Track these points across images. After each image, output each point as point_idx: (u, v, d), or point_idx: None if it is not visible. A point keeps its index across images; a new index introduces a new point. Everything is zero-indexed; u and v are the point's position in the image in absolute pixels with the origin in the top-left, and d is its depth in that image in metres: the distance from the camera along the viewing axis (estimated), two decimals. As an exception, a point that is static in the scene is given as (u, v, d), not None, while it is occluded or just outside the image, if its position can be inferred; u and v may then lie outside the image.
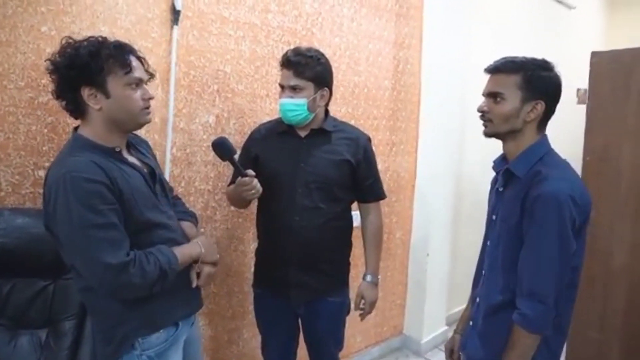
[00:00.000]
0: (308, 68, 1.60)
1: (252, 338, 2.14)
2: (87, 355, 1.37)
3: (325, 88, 1.68)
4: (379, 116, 2.57)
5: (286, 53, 1.62)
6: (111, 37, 1.26)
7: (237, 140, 1.97)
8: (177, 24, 1.73)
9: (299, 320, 1.81)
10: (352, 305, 1.83)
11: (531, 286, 1.19)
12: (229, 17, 1.89)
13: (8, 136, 1.45)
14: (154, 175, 1.34)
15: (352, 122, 2.36)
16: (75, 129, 1.26)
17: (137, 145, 1.39)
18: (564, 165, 1.27)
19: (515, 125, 1.27)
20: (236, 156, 1.55)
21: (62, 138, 1.54)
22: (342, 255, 1.81)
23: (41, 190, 1.47)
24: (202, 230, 1.91)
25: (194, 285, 1.36)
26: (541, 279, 1.18)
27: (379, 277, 1.85)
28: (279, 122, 1.74)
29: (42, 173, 1.50)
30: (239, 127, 1.99)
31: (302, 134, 1.71)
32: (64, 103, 1.22)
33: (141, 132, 1.68)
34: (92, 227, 1.12)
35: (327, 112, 1.77)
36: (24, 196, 1.49)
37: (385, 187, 2.58)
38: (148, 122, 1.30)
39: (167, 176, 1.76)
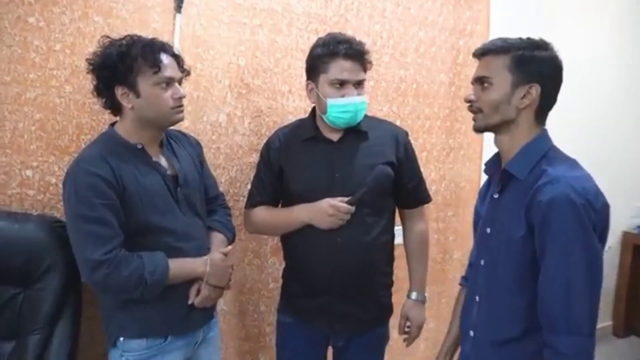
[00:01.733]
0: (368, 59, 1.42)
1: (269, 364, 1.91)
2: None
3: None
4: (433, 116, 2.20)
5: (340, 41, 1.38)
6: (146, 35, 1.27)
7: (253, 142, 1.77)
8: (179, 12, 1.57)
9: (330, 354, 1.56)
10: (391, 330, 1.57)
11: (565, 319, 1.00)
12: (244, 4, 1.69)
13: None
14: (178, 179, 1.31)
15: (398, 123, 2.04)
16: (112, 124, 1.31)
17: (183, 146, 1.39)
18: (573, 162, 1.09)
19: (507, 113, 1.09)
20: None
21: (51, 136, 1.44)
22: (388, 276, 1.55)
23: (28, 192, 1.41)
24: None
25: (190, 302, 1.27)
26: (575, 307, 0.99)
27: (427, 295, 1.56)
28: (300, 126, 1.51)
29: (29, 173, 1.42)
30: (255, 127, 1.77)
31: (334, 137, 1.45)
32: (102, 101, 1.27)
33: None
34: (81, 219, 1.15)
35: None
36: (10, 197, 1.41)
37: (439, 199, 2.26)
38: (179, 120, 1.30)
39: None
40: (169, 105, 1.23)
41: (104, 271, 1.13)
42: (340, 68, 1.36)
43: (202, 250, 1.32)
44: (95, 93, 1.26)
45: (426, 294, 1.57)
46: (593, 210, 0.99)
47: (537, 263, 1.04)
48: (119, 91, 1.22)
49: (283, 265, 1.60)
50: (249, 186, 1.75)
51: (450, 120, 2.25)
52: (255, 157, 1.76)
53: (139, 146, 1.26)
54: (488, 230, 1.16)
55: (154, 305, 1.22)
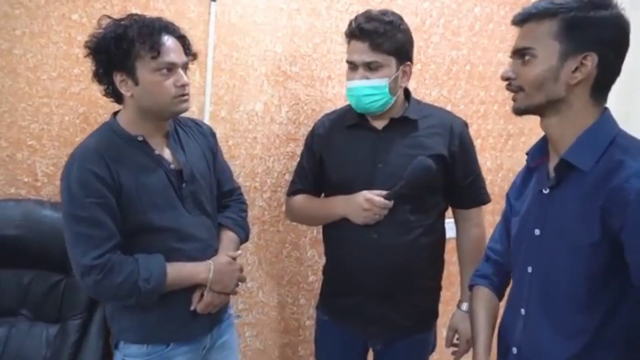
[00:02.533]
0: (387, 38, 1.24)
1: (309, 356, 1.88)
2: (88, 355, 1.31)
3: (408, 62, 1.31)
4: (489, 100, 2.01)
5: (355, 19, 1.28)
6: (182, 26, 1.17)
7: (291, 131, 1.72)
8: (215, 1, 1.54)
9: (371, 357, 1.48)
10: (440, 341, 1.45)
11: None
12: (281, -13, 1.63)
13: (42, 127, 1.45)
14: (183, 174, 1.19)
15: (449, 108, 1.89)
16: (114, 113, 1.20)
17: (193, 136, 1.28)
18: None
19: (555, 92, 0.89)
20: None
21: (94, 128, 1.48)
22: (434, 280, 1.42)
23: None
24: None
25: (192, 307, 1.18)
26: None
27: None
28: (347, 111, 1.40)
29: (74, 164, 1.48)
30: (293, 115, 1.72)
31: (379, 125, 1.35)
32: (103, 88, 1.17)
33: (177, 122, 1.57)
34: (72, 218, 1.08)
35: (407, 93, 1.39)
36: (58, 187, 1.48)
37: (496, 190, 2.08)
38: (184, 110, 1.18)
39: (204, 170, 1.61)
40: (170, 94, 1.11)
41: (94, 277, 1.05)
42: (350, 49, 1.27)
43: (208, 251, 1.21)
44: (95, 79, 1.15)
45: None
46: None
47: (612, 273, 0.87)
48: (118, 77, 1.10)
49: (324, 259, 1.55)
50: (287, 177, 1.73)
51: (509, 104, 2.02)
52: (293, 147, 1.72)
53: (140, 138, 1.14)
54: (537, 231, 0.98)
55: (154, 310, 1.13)
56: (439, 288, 1.45)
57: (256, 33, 1.62)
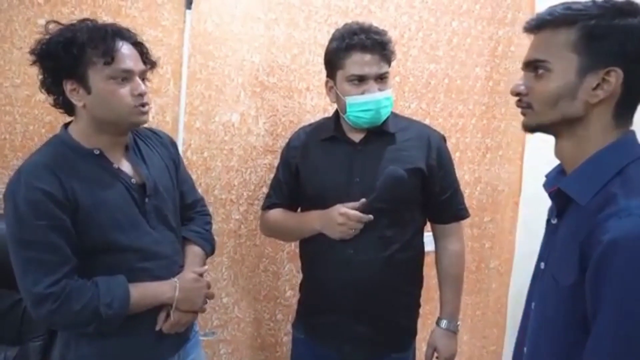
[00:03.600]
0: (390, 49, 1.27)
1: (286, 374, 1.83)
2: (49, 383, 1.22)
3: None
4: (467, 114, 2.02)
5: (355, 32, 1.25)
6: (155, 34, 1.11)
7: (269, 143, 1.68)
8: (189, 8, 1.50)
9: None
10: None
11: None
12: (258, -3, 1.60)
13: (4, 137, 1.38)
14: (145, 188, 1.12)
15: (427, 122, 1.89)
16: (65, 125, 1.11)
17: (154, 147, 1.20)
18: None
19: (571, 111, 0.77)
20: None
21: (60, 139, 1.42)
22: (412, 296, 1.39)
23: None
24: (209, 263, 1.65)
25: (157, 328, 1.11)
26: None
27: (459, 323, 1.39)
28: (323, 124, 1.40)
29: (39, 176, 1.41)
30: (271, 127, 1.68)
31: (356, 138, 1.32)
32: (52, 98, 1.07)
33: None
34: (20, 244, 0.99)
35: None
36: (20, 200, 1.41)
37: (474, 203, 2.08)
38: (143, 122, 1.10)
39: (177, 183, 1.55)
40: (127, 104, 1.02)
41: (49, 307, 0.96)
42: (357, 62, 1.23)
43: (174, 269, 1.15)
44: (43, 89, 1.05)
45: (459, 323, 1.39)
46: None
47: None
48: (68, 86, 1.01)
49: (301, 274, 1.51)
50: (264, 189, 1.68)
51: (487, 117, 2.06)
52: (270, 159, 1.68)
53: (96, 152, 1.05)
54: (542, 265, 0.89)
55: (116, 335, 1.05)
56: (418, 305, 1.43)
57: (233, 42, 1.59)
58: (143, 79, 1.08)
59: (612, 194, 0.73)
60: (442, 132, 1.43)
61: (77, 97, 1.02)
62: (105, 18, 1.42)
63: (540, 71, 0.79)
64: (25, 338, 1.26)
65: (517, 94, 0.84)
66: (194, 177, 1.59)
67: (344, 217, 1.23)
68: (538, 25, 0.80)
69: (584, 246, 0.73)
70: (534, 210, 2.16)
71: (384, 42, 1.24)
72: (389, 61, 1.27)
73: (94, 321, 1.00)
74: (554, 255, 0.84)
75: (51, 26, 1.03)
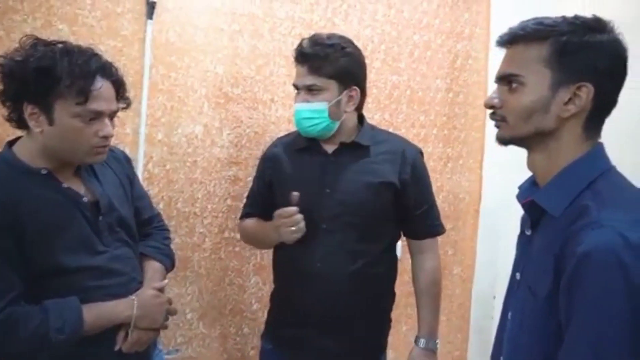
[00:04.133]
0: (329, 61, 1.22)
1: (253, 389, 1.80)
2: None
3: (354, 87, 1.28)
4: (428, 124, 2.07)
5: (300, 43, 1.26)
6: (114, 44, 1.09)
7: (233, 155, 1.66)
8: (151, 19, 1.48)
9: None
10: None
11: None
12: (221, 8, 1.59)
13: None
14: (99, 206, 1.07)
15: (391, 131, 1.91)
16: (9, 143, 1.05)
17: (106, 163, 1.14)
18: (635, 196, 0.77)
19: (544, 124, 0.78)
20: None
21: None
22: (382, 312, 1.38)
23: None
24: (170, 277, 1.61)
25: (116, 348, 1.07)
26: None
27: (438, 342, 1.37)
28: (297, 135, 1.37)
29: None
30: (235, 138, 1.67)
31: (330, 149, 1.31)
32: (7, 112, 1.01)
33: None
34: None
35: (361, 118, 1.36)
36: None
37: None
38: (98, 162, 1.07)
39: (138, 196, 1.51)
40: (88, 144, 0.99)
41: None
42: (296, 73, 1.26)
43: (132, 285, 1.11)
44: None
45: (437, 341, 1.36)
46: None
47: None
48: (28, 110, 0.96)
49: (268, 286, 1.49)
50: (228, 201, 1.67)
51: (448, 128, 2.12)
52: (235, 170, 1.67)
53: (44, 172, 1.01)
54: (517, 275, 0.89)
55: (74, 356, 1.01)
56: (388, 320, 1.42)
57: (196, 53, 1.57)
58: (112, 119, 1.04)
59: (585, 206, 0.74)
60: (419, 147, 1.40)
61: (35, 123, 0.97)
62: (60, 27, 1.38)
63: (514, 85, 0.80)
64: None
65: (491, 107, 0.84)
66: (155, 190, 1.57)
67: (279, 218, 1.23)
68: (510, 40, 0.81)
69: (559, 258, 0.74)
70: (493, 218, 2.24)
71: (317, 54, 1.22)
72: (321, 74, 1.23)
73: (44, 348, 0.96)
74: (529, 267, 0.85)
75: (26, 41, 0.97)
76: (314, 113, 1.24)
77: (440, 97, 2.08)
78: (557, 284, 0.72)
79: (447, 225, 2.18)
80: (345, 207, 1.26)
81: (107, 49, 1.43)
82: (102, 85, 0.99)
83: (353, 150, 1.30)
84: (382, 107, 1.95)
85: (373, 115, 1.93)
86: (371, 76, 1.89)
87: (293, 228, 1.22)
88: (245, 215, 1.44)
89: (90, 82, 0.96)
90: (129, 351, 1.08)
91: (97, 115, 0.99)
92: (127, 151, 1.50)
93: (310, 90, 1.24)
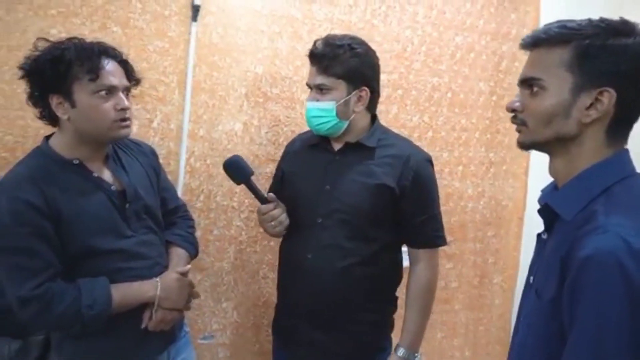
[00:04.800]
0: (337, 62, 1.25)
1: (283, 382, 1.83)
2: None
3: (364, 87, 1.30)
4: (470, 127, 2.03)
5: (314, 44, 1.30)
6: (162, 45, 1.23)
7: (270, 152, 1.72)
8: (195, 21, 1.57)
9: None
10: None
11: None
12: (262, 10, 1.66)
13: (17, 140, 1.45)
14: (126, 194, 1.17)
15: (429, 134, 1.92)
16: (46, 137, 1.17)
17: (134, 156, 1.26)
18: None
19: (565, 129, 0.77)
20: (254, 178, 1.32)
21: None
22: (377, 313, 1.37)
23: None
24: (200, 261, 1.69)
25: (142, 326, 1.16)
26: None
27: (419, 354, 1.34)
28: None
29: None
30: (272, 136, 1.72)
31: (336, 147, 1.35)
32: (38, 111, 1.13)
33: (155, 140, 1.57)
34: (5, 251, 1.04)
35: (374, 119, 1.39)
36: None
37: (477, 217, 2.07)
38: (124, 136, 1.17)
39: (180, 189, 1.60)
40: (109, 118, 1.09)
41: (33, 309, 1.02)
42: (309, 72, 1.31)
43: (156, 269, 1.19)
44: (29, 102, 1.12)
45: (417, 355, 1.32)
46: None
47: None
48: (54, 100, 1.07)
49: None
50: (265, 197, 1.73)
51: (491, 132, 2.07)
52: (272, 167, 1.71)
53: (76, 162, 1.11)
54: (531, 279, 0.88)
55: (103, 334, 1.10)
56: (386, 323, 1.40)
57: (237, 54, 1.64)
58: (127, 94, 1.14)
59: (594, 211, 0.73)
60: (428, 155, 1.38)
61: (62, 111, 1.08)
62: (114, 29, 1.50)
63: (535, 89, 0.79)
64: (27, 333, 1.31)
65: (513, 110, 0.84)
66: (196, 183, 1.65)
67: (258, 214, 1.33)
68: (533, 43, 0.81)
69: (564, 261, 0.73)
70: (539, 226, 2.15)
71: (326, 55, 1.25)
72: (331, 74, 1.26)
73: (77, 322, 1.05)
74: (540, 270, 0.84)
75: (40, 43, 1.09)
76: (322, 112, 1.27)
77: (483, 100, 2.04)
78: (561, 287, 0.72)
79: (488, 232, 2.13)
80: (340, 204, 1.29)
81: (154, 49, 1.55)
82: (109, 63, 1.09)
83: (357, 150, 1.32)
84: (421, 110, 1.93)
85: (412, 117, 1.92)
86: (410, 78, 1.90)
87: (272, 223, 1.28)
88: None
89: (97, 61, 1.07)
90: (154, 329, 1.16)
91: (111, 90, 1.09)
92: (171, 146, 1.61)
93: (320, 89, 1.27)
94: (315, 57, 1.28)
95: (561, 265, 0.73)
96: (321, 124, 1.29)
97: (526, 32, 2.08)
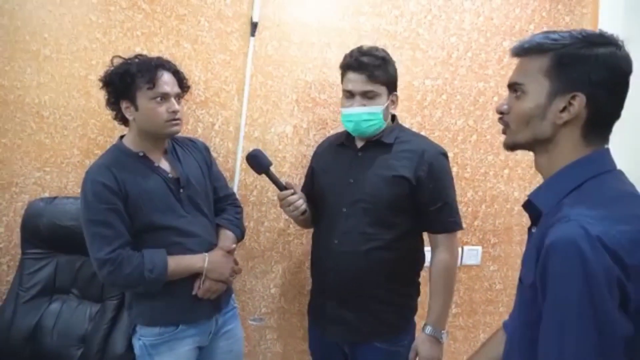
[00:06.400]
0: (381, 70, 1.41)
1: (325, 367, 1.97)
2: (120, 331, 1.54)
3: (395, 92, 1.48)
4: (518, 131, 2.03)
5: (351, 54, 1.45)
6: (224, 57, 1.57)
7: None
8: (253, 36, 1.77)
9: None
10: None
11: None
12: (313, 24, 1.83)
13: (107, 140, 1.73)
14: (180, 181, 1.40)
15: (474, 138, 1.97)
16: (121, 137, 1.45)
17: (189, 151, 1.50)
18: (617, 195, 0.80)
19: (541, 131, 0.85)
20: (273, 169, 1.49)
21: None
22: (398, 295, 1.48)
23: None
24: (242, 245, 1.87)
25: (193, 292, 1.38)
26: None
27: (445, 331, 1.45)
28: (343, 132, 1.59)
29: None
30: (320, 138, 1.87)
31: (359, 145, 1.51)
32: (114, 114, 1.41)
33: (216, 140, 1.79)
34: (89, 222, 1.29)
35: (393, 119, 1.54)
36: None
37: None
38: (175, 132, 1.39)
39: (236, 184, 1.81)
40: (163, 118, 1.32)
41: (108, 269, 1.25)
42: (348, 79, 1.43)
43: (206, 246, 1.40)
44: (108, 107, 1.38)
45: (444, 332, 1.43)
46: (622, 268, 0.70)
47: None
48: (124, 105, 1.33)
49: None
50: (311, 194, 1.88)
51: (541, 135, 2.05)
52: (319, 167, 1.88)
53: (141, 154, 1.36)
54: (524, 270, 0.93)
55: (162, 297, 1.33)
56: (408, 306, 1.51)
57: (290, 64, 1.82)
58: (178, 100, 1.37)
59: (562, 204, 0.81)
60: (443, 150, 1.49)
61: (129, 113, 1.35)
62: (185, 45, 1.74)
63: (519, 93, 0.87)
64: (105, 297, 1.59)
65: (500, 112, 0.93)
66: (251, 179, 1.85)
67: (279, 201, 1.46)
68: (519, 52, 0.89)
69: (538, 249, 0.80)
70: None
71: (372, 64, 1.39)
72: (378, 81, 1.40)
73: (141, 283, 1.28)
74: (524, 260, 0.90)
75: (115, 60, 1.37)
76: (372, 116, 1.41)
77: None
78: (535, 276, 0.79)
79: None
80: (362, 195, 1.42)
81: (218, 62, 1.77)
82: (164, 74, 1.33)
83: (378, 146, 1.46)
84: (466, 113, 1.99)
85: (456, 120, 1.98)
86: (455, 83, 1.96)
87: (290, 207, 1.43)
88: None
89: (154, 73, 1.31)
90: (202, 296, 1.38)
91: (165, 96, 1.33)
92: (230, 146, 1.82)
93: (367, 95, 1.41)
94: (362, 65, 1.41)
95: (537, 254, 0.79)
96: (370, 126, 1.43)
97: (581, 35, 2.05)
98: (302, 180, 1.85)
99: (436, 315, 1.44)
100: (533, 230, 0.92)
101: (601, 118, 0.83)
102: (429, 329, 1.43)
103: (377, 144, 1.47)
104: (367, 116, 1.42)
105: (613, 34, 0.82)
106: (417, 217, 1.45)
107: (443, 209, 1.44)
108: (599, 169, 0.83)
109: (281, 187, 1.46)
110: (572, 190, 0.82)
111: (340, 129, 1.86)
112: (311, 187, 1.60)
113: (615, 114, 0.84)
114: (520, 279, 0.88)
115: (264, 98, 1.82)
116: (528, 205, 0.91)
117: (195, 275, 1.37)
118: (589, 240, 0.70)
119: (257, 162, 1.47)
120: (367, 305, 1.45)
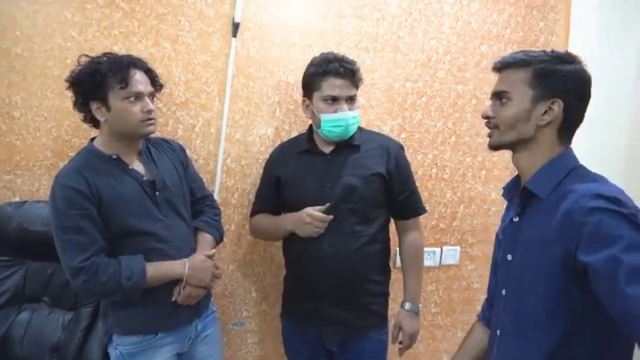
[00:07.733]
0: (358, 76, 1.50)
1: (307, 369, 1.97)
2: (96, 339, 1.49)
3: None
4: (495, 133, 2.08)
5: (329, 60, 1.49)
6: (205, 58, 1.50)
7: (300, 154, 1.87)
8: (235, 36, 1.75)
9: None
10: (390, 338, 1.58)
11: None
12: (295, 25, 1.82)
13: (82, 142, 1.66)
14: (155, 184, 1.36)
15: (452, 139, 2.01)
16: (92, 139, 1.39)
17: (164, 152, 1.45)
18: (603, 179, 1.00)
19: (526, 131, 1.02)
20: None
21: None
22: (381, 285, 1.57)
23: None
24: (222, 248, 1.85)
25: (173, 299, 1.34)
26: None
27: (420, 305, 1.57)
28: (298, 139, 1.65)
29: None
30: (302, 140, 1.87)
31: (327, 150, 1.54)
32: (82, 116, 1.35)
33: (197, 142, 1.76)
34: (60, 229, 1.24)
35: None
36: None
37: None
38: (150, 132, 1.35)
39: (217, 187, 1.78)
40: (137, 118, 1.28)
41: (82, 277, 1.20)
42: (332, 85, 1.45)
43: (184, 250, 1.36)
44: (75, 108, 1.32)
45: (420, 305, 1.57)
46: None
47: (569, 294, 0.94)
48: (94, 106, 1.27)
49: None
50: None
51: (517, 138, 2.11)
52: (301, 169, 1.87)
53: (114, 156, 1.31)
54: (509, 257, 1.08)
55: (140, 304, 1.29)
56: (387, 294, 1.59)
57: (271, 65, 1.81)
58: (152, 98, 1.33)
59: (569, 189, 0.96)
60: (400, 143, 1.62)
61: (100, 114, 1.29)
62: (165, 45, 1.70)
63: (504, 100, 1.03)
64: (78, 305, 1.53)
65: (487, 117, 1.07)
66: (232, 182, 1.83)
67: (310, 217, 1.43)
68: (504, 66, 1.05)
69: (562, 230, 0.93)
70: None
71: (354, 70, 1.47)
72: (357, 86, 1.50)
73: (118, 291, 1.24)
74: (524, 246, 1.03)
75: (82, 59, 1.30)
76: (355, 119, 1.49)
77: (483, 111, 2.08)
78: (558, 254, 0.93)
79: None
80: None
81: (199, 62, 1.74)
82: (137, 73, 1.28)
83: (347, 149, 1.51)
84: (445, 116, 2.02)
85: (436, 123, 2.01)
86: (435, 86, 2.00)
87: (318, 229, 1.43)
88: (255, 212, 1.67)
89: (126, 72, 1.26)
90: (182, 303, 1.34)
91: (138, 95, 1.28)
92: (211, 148, 1.79)
93: (351, 99, 1.47)
94: (346, 72, 1.46)
95: (556, 235, 0.94)
96: (353, 129, 1.51)
97: (555, 39, 2.12)
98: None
99: (413, 291, 1.56)
100: (515, 219, 1.07)
101: (572, 121, 1.02)
102: (408, 305, 1.56)
103: (346, 146, 1.52)
104: (353, 120, 1.47)
105: (575, 55, 1.02)
106: (389, 207, 1.55)
107: (411, 197, 1.58)
108: (576, 162, 1.03)
109: (331, 210, 1.43)
110: (563, 178, 0.99)
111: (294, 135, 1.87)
112: (277, 196, 1.60)
113: (582, 118, 1.03)
114: (528, 262, 0.99)
115: (246, 99, 1.80)
116: (522, 194, 1.04)
117: (175, 281, 1.34)
118: (612, 189, 0.91)
119: (353, 193, 1.42)
120: (360, 300, 1.50)
